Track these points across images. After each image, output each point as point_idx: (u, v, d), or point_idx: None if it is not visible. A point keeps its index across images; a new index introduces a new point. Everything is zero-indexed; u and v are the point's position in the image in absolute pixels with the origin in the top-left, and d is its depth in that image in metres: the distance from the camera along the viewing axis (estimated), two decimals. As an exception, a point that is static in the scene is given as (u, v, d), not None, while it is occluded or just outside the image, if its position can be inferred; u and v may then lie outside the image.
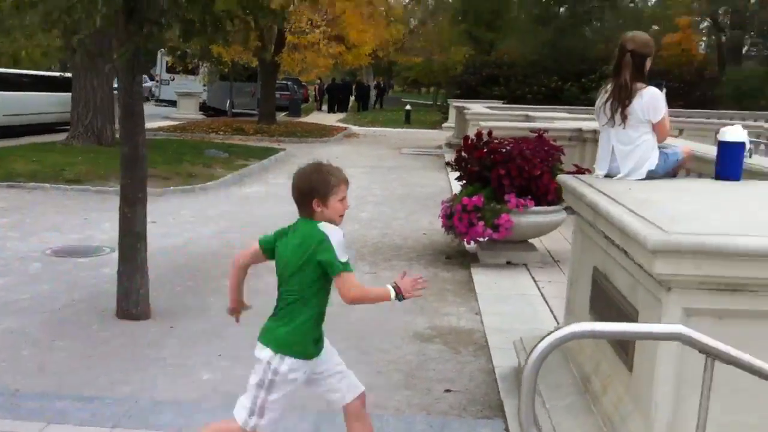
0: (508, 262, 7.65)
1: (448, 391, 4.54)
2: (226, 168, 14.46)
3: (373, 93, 49.82)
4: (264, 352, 3.07)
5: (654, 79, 4.37)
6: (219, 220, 9.94)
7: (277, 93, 31.74)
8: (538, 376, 4.20)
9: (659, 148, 4.29)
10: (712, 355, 2.27)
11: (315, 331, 3.13)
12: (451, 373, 4.84)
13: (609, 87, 4.25)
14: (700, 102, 33.78)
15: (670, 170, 4.36)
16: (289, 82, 38.06)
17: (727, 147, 4.23)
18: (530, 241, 7.95)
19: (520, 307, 6.31)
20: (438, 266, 7.71)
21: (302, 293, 3.07)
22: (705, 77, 37.32)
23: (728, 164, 4.25)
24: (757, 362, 2.26)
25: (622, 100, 4.13)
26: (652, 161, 4.19)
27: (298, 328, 3.06)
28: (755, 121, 21.97)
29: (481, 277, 7.20)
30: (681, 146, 4.56)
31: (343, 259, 2.98)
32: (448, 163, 8.06)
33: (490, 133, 7.75)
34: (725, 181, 4.24)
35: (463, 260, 7.90)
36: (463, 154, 7.73)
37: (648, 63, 4.24)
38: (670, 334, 2.33)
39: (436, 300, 6.50)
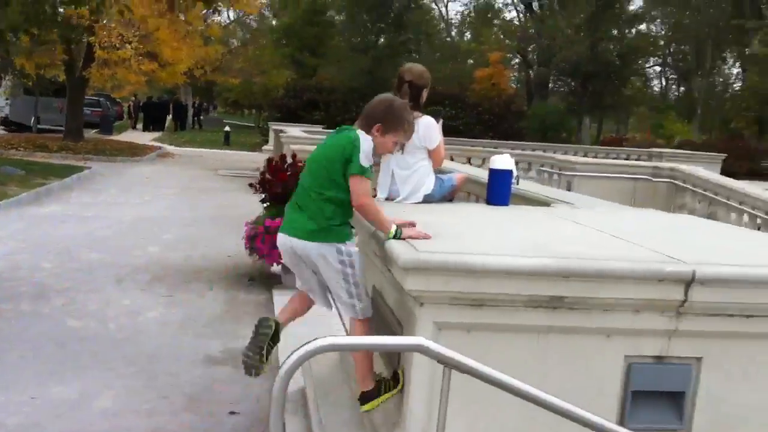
0: (309, 285, 7.72)
1: (232, 413, 4.53)
2: (22, 186, 13.61)
3: (191, 112, 48.76)
4: (324, 248, 3.30)
5: (431, 109, 4.63)
6: (8, 241, 9.33)
7: (89, 109, 30.36)
8: (318, 395, 4.31)
9: (436, 173, 4.55)
10: (449, 365, 2.44)
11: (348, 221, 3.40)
12: (237, 395, 4.83)
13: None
14: (507, 134, 35.79)
15: (447, 194, 4.62)
16: (101, 98, 36.46)
17: (496, 174, 4.56)
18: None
19: (317, 328, 6.32)
20: (239, 288, 7.67)
21: (329, 191, 3.27)
22: (512, 110, 39.64)
23: (497, 190, 4.58)
24: (492, 372, 2.45)
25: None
26: (428, 186, 4.43)
27: (342, 224, 3.34)
28: (554, 152, 23.62)
29: (281, 299, 7.20)
30: (457, 173, 4.85)
31: (365, 163, 3.21)
32: (251, 185, 8.07)
33: (294, 156, 7.85)
34: (495, 205, 4.56)
35: (267, 282, 7.90)
36: (267, 176, 7.77)
37: (424, 94, 4.49)
38: (411, 345, 2.48)
39: (233, 322, 6.47)
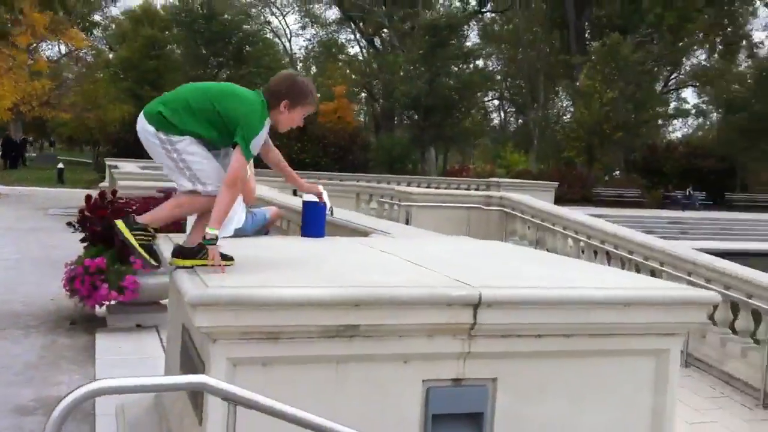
0: (138, 325, 7.45)
1: (36, 466, 4.26)
2: None
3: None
4: (150, 131, 3.33)
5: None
6: None
7: None
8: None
9: (249, 209, 4.51)
10: (233, 401, 2.39)
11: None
12: (44, 446, 4.54)
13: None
14: (354, 165, 36.31)
15: (261, 228, 4.60)
16: None
17: (309, 206, 4.58)
18: (163, 302, 7.83)
19: (140, 371, 6.13)
20: (59, 333, 7.26)
21: (199, 112, 3.29)
22: (358, 143, 40.28)
23: (311, 222, 4.60)
24: (280, 406, 2.41)
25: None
26: (239, 220, 4.39)
27: (178, 126, 3.30)
28: (398, 183, 24.14)
29: (104, 342, 6.91)
30: (271, 207, 4.84)
31: (253, 149, 3.28)
32: (69, 224, 7.69)
33: (114, 193, 7.58)
34: (310, 237, 4.58)
35: (90, 325, 7.52)
36: (86, 213, 7.44)
37: None
38: (192, 384, 2.42)
39: (49, 369, 6.11)
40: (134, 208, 7.29)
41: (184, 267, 3.25)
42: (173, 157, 3.34)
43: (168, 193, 7.84)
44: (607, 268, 4.37)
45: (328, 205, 4.56)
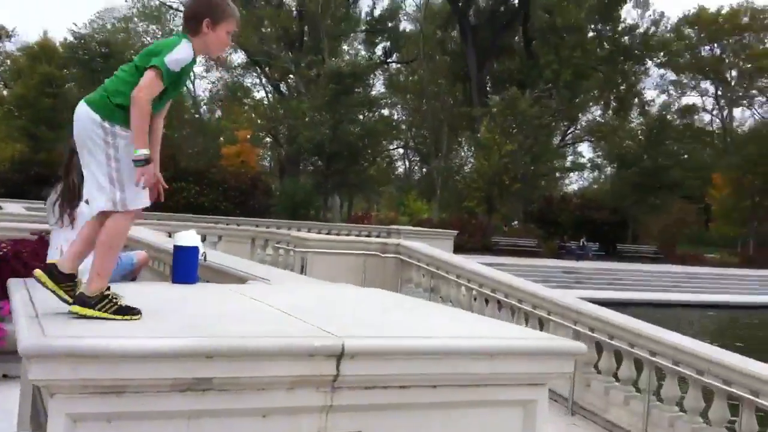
0: (5, 375, 7.00)
1: None
2: None
3: None
4: (92, 116, 3.06)
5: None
6: None
7: None
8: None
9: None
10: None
11: None
12: None
13: (59, 188, 4.18)
14: (255, 211, 35.94)
15: (128, 273, 4.39)
16: None
17: (180, 252, 4.40)
18: (33, 350, 7.41)
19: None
20: None
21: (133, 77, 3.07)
22: (260, 188, 39.95)
23: (183, 268, 4.41)
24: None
25: (70, 201, 4.09)
26: (103, 264, 4.16)
27: (122, 107, 3.06)
28: (299, 229, 23.94)
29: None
30: (139, 251, 4.64)
31: (171, 65, 3.02)
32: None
33: (-15, 234, 7.17)
34: (181, 284, 4.38)
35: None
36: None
37: None
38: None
39: None
40: (5, 250, 6.92)
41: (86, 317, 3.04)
42: (109, 153, 3.10)
43: (40, 236, 7.50)
44: (481, 317, 4.35)
45: (202, 250, 4.40)
